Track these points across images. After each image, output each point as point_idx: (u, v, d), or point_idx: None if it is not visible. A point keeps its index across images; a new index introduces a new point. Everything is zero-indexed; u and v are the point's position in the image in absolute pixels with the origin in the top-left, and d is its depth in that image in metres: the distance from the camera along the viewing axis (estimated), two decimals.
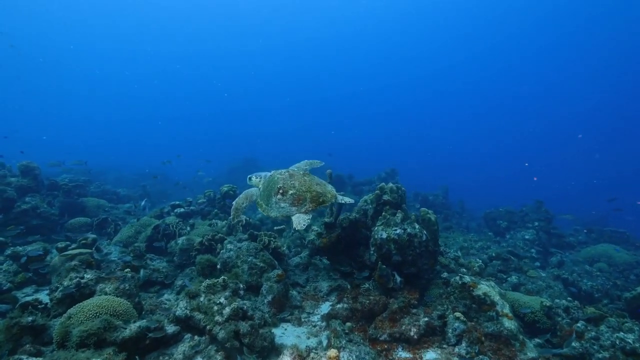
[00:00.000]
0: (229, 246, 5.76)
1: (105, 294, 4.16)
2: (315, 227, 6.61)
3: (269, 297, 4.95)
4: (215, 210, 8.19)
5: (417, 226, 5.62)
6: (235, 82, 74.86)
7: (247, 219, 6.97)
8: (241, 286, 4.58)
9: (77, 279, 4.17)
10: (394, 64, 68.54)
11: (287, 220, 4.52)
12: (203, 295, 4.23)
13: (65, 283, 4.14)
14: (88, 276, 4.25)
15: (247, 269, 5.42)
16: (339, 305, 5.34)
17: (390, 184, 6.09)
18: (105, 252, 7.02)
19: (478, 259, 6.51)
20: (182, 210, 7.68)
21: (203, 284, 4.32)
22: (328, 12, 58.35)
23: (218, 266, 5.53)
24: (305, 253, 6.79)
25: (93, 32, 60.67)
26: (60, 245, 5.58)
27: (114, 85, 71.18)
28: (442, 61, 65.15)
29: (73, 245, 5.62)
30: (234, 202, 4.94)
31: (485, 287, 5.09)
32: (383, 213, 5.85)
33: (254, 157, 32.39)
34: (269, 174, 4.68)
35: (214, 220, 7.61)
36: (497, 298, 4.91)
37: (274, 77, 74.21)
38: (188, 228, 7.10)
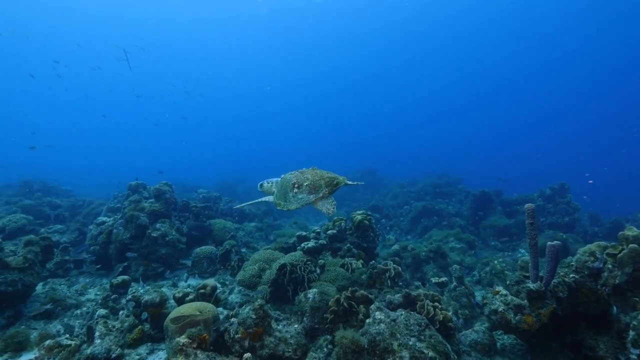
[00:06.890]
0: (378, 315, 4.02)
1: None
2: (501, 289, 4.37)
3: None
4: (348, 245, 6.65)
5: None
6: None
7: (395, 267, 5.14)
8: None
9: None
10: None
11: None
12: None
13: None
14: None
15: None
16: None
17: None
18: (228, 292, 6.16)
19: None
20: (310, 245, 6.35)
21: None
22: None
23: (364, 345, 3.83)
24: (484, 326, 4.59)
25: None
26: (178, 294, 4.77)
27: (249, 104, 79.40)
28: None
29: (191, 295, 4.75)
30: None
31: None
32: None
33: (374, 168, 30.75)
34: (278, 179, 4.69)
35: (347, 259, 6.08)
36: None
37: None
38: (317, 270, 5.71)
